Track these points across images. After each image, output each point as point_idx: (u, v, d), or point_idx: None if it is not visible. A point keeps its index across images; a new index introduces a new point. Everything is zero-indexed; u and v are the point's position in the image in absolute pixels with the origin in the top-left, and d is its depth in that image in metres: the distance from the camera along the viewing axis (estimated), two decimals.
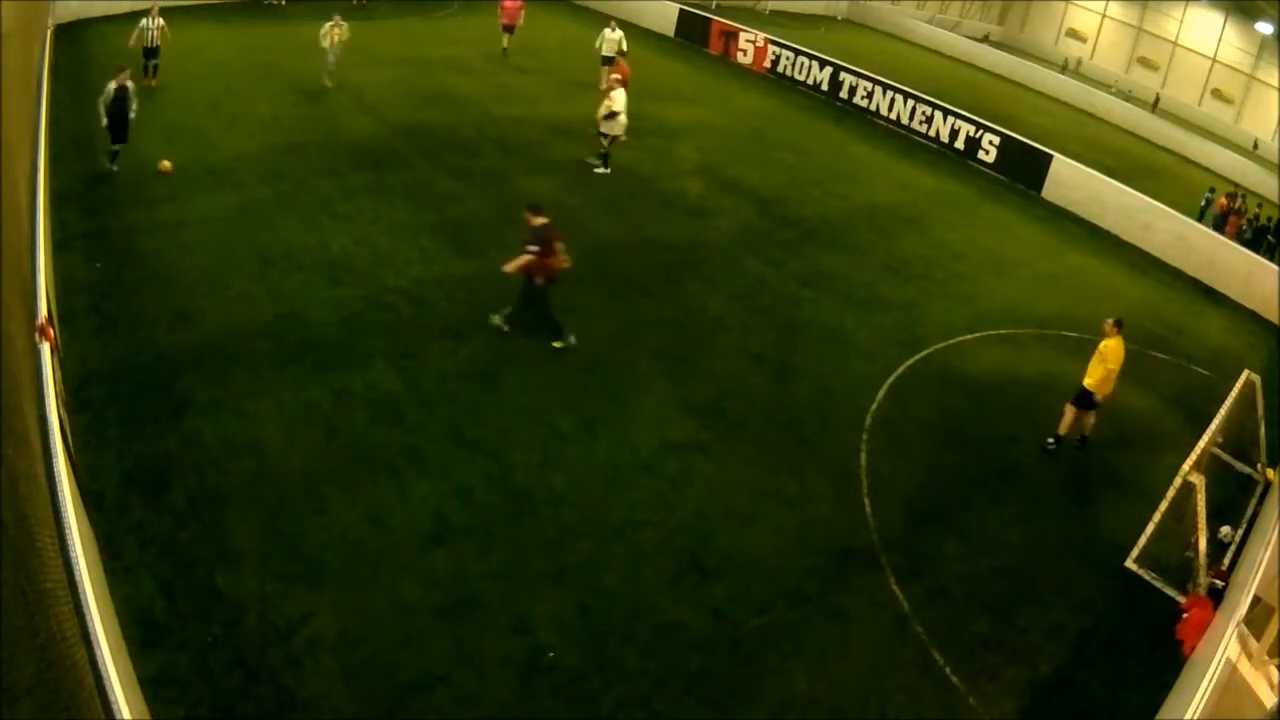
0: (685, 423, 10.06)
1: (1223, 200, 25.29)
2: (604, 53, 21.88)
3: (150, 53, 16.05)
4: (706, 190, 17.12)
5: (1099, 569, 9.33)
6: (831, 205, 18.15)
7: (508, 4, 23.38)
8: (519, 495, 8.46)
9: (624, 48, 21.58)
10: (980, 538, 9.36)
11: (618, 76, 17.15)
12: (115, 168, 12.89)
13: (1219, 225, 23.54)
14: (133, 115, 12.85)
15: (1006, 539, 9.44)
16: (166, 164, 13.08)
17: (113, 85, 12.58)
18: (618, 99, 16.31)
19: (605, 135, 16.63)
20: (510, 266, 10.40)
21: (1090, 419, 11.11)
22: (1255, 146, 39.37)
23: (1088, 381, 10.79)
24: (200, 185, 12.97)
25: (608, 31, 22.02)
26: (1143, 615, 8.83)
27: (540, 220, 10.37)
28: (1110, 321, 10.84)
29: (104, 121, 12.64)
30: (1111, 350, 10.66)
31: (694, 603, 7.69)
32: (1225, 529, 10.21)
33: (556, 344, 10.71)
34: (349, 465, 8.35)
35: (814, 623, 7.81)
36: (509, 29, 23.61)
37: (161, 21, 16.10)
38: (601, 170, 16.77)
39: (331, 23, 18.04)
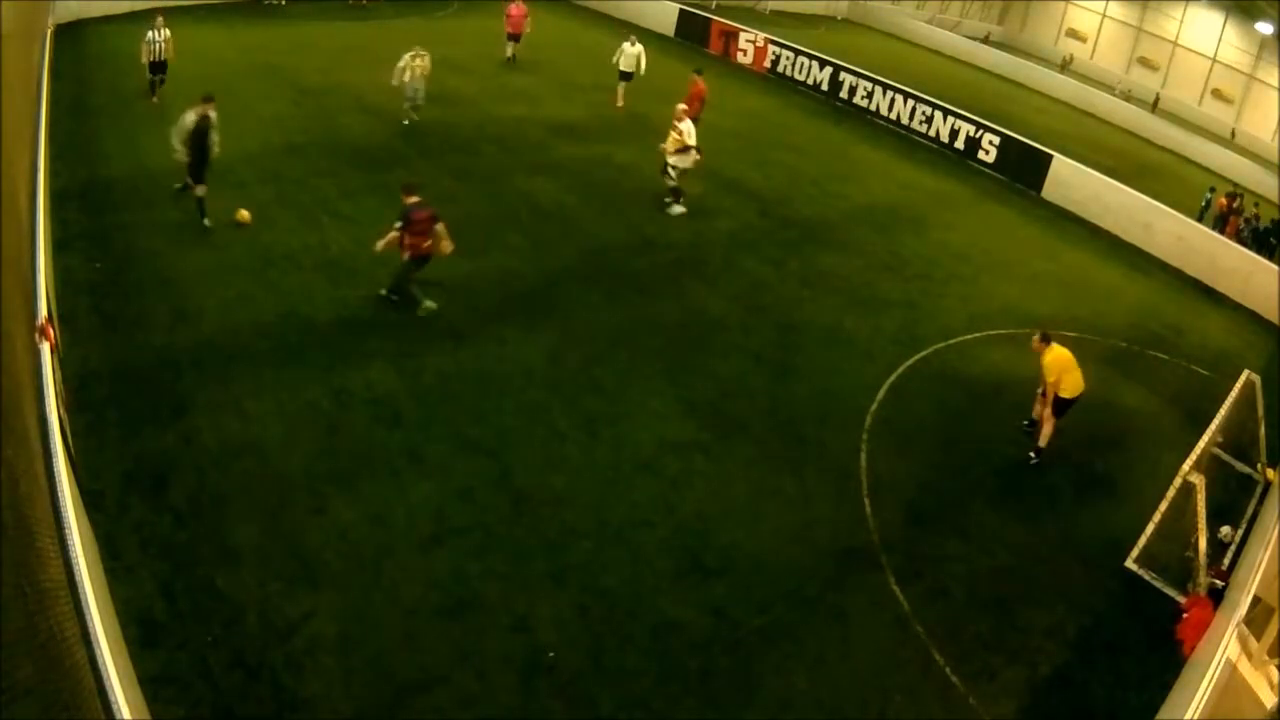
0: (685, 423, 10.06)
1: (1222, 200, 25.27)
2: (621, 68, 20.92)
3: (156, 67, 15.46)
4: (707, 190, 17.10)
5: (1099, 569, 9.34)
6: (831, 205, 18.16)
7: (513, 12, 22.80)
8: (519, 495, 8.46)
9: (643, 65, 20.85)
10: (980, 538, 9.36)
11: (684, 107, 15.70)
12: (209, 222, 11.73)
13: (1219, 225, 23.53)
14: (216, 151, 11.70)
15: (1006, 539, 9.44)
16: (245, 214, 12.11)
17: (192, 116, 11.45)
18: (688, 131, 14.99)
19: (675, 169, 15.28)
20: (378, 244, 10.70)
21: (1043, 412, 10.85)
22: (1233, 135, 39.63)
23: (1040, 391, 10.72)
24: None
25: (627, 45, 20.80)
26: (1143, 615, 8.83)
27: (411, 199, 10.67)
28: (1036, 338, 10.54)
29: (185, 158, 11.47)
30: (1049, 364, 10.37)
31: (694, 603, 7.69)
32: (1225, 529, 10.21)
33: (422, 311, 10.94)
34: (349, 465, 8.36)
35: (814, 623, 7.82)
36: (514, 37, 22.96)
37: (168, 33, 15.50)
38: (679, 209, 15.50)
39: (411, 53, 16.62)
